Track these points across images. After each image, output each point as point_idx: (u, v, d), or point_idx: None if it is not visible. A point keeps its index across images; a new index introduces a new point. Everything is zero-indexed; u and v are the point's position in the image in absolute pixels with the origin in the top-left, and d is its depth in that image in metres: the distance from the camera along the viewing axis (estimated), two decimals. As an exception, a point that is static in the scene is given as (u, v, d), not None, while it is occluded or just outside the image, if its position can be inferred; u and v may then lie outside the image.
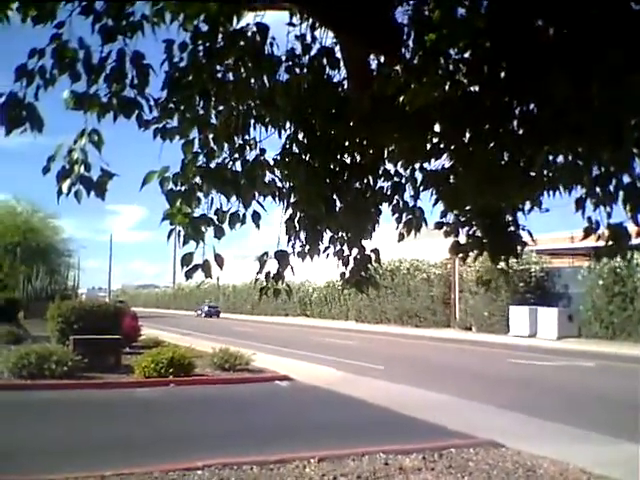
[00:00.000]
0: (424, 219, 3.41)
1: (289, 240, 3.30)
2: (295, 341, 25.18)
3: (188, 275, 2.77)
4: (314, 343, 24.53)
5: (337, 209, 3.20)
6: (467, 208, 3.13)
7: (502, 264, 3.32)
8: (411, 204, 3.39)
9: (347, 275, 3.48)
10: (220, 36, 2.72)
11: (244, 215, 3.02)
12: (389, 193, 3.35)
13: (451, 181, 2.97)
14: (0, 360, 12.94)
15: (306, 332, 31.47)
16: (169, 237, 2.78)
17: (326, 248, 3.42)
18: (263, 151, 3.10)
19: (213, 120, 2.93)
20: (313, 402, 11.33)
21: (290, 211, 3.26)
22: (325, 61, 3.02)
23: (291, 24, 3.02)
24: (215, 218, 2.93)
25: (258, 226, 3.06)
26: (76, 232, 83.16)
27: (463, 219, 3.21)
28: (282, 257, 3.16)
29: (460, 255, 3.38)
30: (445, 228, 3.30)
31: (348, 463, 6.77)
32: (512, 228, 3.18)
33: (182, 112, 2.80)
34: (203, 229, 2.80)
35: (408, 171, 3.27)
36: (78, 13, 2.43)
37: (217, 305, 57.16)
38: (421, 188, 3.21)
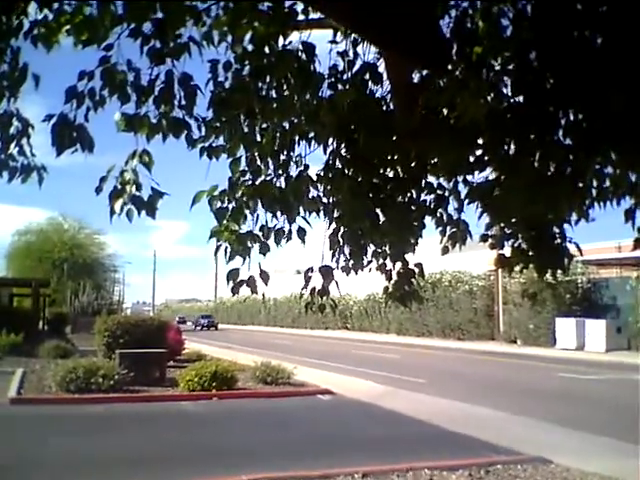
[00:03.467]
0: (468, 232, 3.38)
1: (333, 255, 3.30)
2: (336, 354, 25.09)
3: (234, 291, 2.80)
4: (355, 356, 24.39)
5: (381, 223, 3.19)
6: (513, 220, 3.09)
7: (549, 277, 3.26)
8: (455, 217, 3.36)
9: (390, 289, 3.46)
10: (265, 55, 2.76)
11: (289, 231, 3.04)
12: (433, 206, 3.33)
13: (496, 193, 2.93)
14: (48, 374, 13.28)
15: (347, 345, 31.33)
16: (216, 253, 2.82)
17: (369, 262, 3.41)
18: (307, 167, 3.12)
19: (258, 138, 2.97)
20: (356, 416, 11.26)
21: (334, 226, 3.26)
22: (368, 76, 3.02)
23: (333, 42, 3.05)
24: (260, 234, 2.96)
25: (304, 241, 3.08)
26: (121, 248, 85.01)
27: (508, 231, 3.17)
28: (327, 272, 3.16)
29: (505, 268, 3.33)
30: (490, 241, 3.26)
31: (392, 479, 6.69)
32: (559, 240, 3.12)
33: (229, 131, 2.85)
34: (249, 245, 2.83)
35: (451, 184, 3.24)
36: (127, 36, 2.50)
37: (212, 317, 61.19)
38: (466, 201, 3.18)
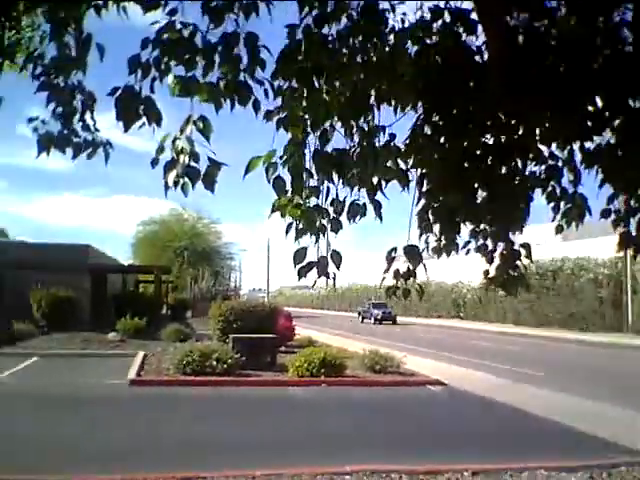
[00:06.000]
0: (587, 207, 2.93)
1: (421, 234, 2.95)
2: (447, 344, 24.46)
3: (301, 274, 2.56)
4: (468, 346, 23.64)
5: (479, 198, 2.82)
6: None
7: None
8: (570, 190, 2.93)
9: (492, 273, 3.07)
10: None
11: (364, 205, 2.76)
12: (543, 178, 2.91)
13: (619, 157, 2.48)
14: (167, 357, 13.88)
15: (459, 335, 30.47)
16: (287, 232, 2.60)
17: (467, 243, 3.03)
18: (393, 136, 2.81)
19: (327, 98, 2.67)
20: (466, 409, 10.78)
21: (424, 201, 2.93)
22: (460, 26, 2.63)
23: None
24: (331, 209, 2.70)
25: (381, 217, 2.77)
26: (240, 236, 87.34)
27: (636, 205, 2.70)
28: (412, 253, 2.79)
29: (630, 249, 2.85)
30: (613, 217, 2.80)
31: (505, 479, 6.26)
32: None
33: (293, 90, 2.59)
34: (322, 222, 2.58)
35: (565, 152, 2.81)
36: None
37: (387, 307, 45.10)
38: (584, 171, 2.75)
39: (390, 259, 2.82)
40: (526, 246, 2.98)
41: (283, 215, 2.59)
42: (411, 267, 2.83)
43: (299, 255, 2.48)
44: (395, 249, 2.81)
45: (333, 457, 6.94)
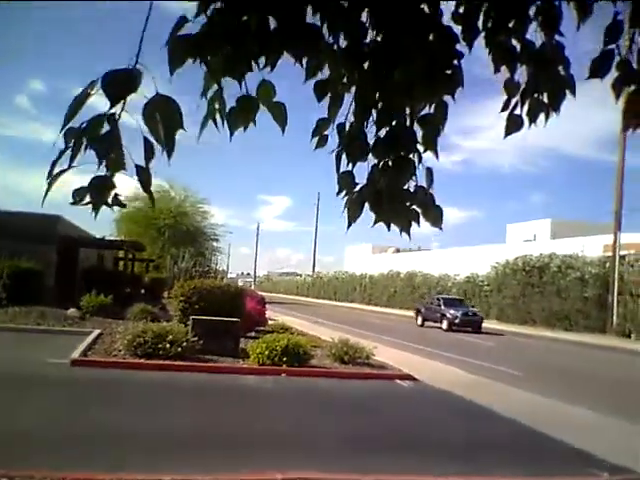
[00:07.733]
0: (569, 75, 1.73)
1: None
2: (426, 337, 23.67)
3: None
4: (446, 341, 22.85)
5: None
6: None
7: None
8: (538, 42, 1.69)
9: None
10: None
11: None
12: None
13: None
14: (119, 337, 12.90)
15: (440, 330, 29.60)
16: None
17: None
18: None
19: None
20: (435, 409, 9.89)
21: None
22: None
23: None
24: None
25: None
26: (230, 220, 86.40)
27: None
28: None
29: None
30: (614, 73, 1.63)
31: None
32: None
33: None
34: None
35: None
36: None
37: (468, 305, 32.22)
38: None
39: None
40: (429, 171, 1.70)
41: None
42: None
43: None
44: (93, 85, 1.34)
45: (269, 460, 6.02)
